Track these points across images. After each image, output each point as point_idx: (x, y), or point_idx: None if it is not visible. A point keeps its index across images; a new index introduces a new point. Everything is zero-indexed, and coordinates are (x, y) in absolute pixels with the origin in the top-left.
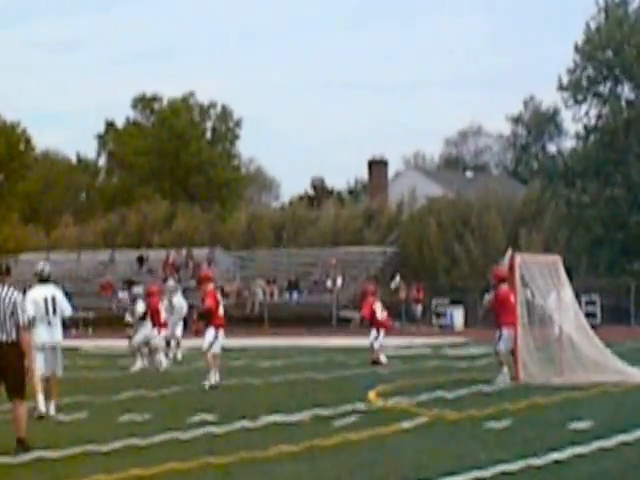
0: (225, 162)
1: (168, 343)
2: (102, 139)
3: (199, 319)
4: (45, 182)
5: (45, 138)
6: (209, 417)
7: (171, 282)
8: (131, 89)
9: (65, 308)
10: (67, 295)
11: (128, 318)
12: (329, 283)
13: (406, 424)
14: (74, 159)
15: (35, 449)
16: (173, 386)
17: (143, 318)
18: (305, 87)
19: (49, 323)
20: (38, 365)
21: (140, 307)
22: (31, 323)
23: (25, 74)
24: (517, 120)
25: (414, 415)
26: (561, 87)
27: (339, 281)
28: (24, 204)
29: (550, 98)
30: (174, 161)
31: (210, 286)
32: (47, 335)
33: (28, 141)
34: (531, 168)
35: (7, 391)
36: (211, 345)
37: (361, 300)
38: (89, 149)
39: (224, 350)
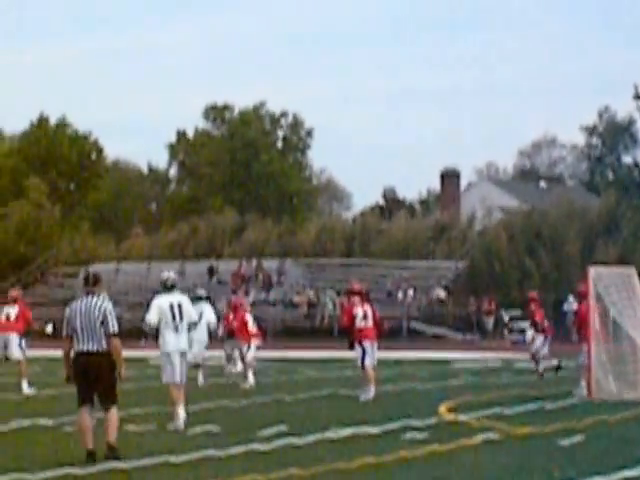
0: (296, 172)
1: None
2: (173, 149)
3: None
4: (116, 192)
5: (116, 148)
6: (284, 428)
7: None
8: (202, 98)
9: (191, 315)
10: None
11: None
12: (400, 295)
13: (476, 439)
14: (145, 169)
15: (107, 460)
16: (242, 399)
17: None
18: (377, 96)
19: (176, 330)
20: (165, 373)
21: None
22: (151, 329)
23: (97, 84)
24: (592, 131)
25: (484, 430)
26: (637, 96)
27: (410, 293)
28: (95, 214)
29: (625, 108)
30: (245, 171)
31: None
32: (174, 342)
33: (99, 151)
34: (606, 179)
35: (99, 399)
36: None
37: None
38: (160, 159)
39: (294, 362)
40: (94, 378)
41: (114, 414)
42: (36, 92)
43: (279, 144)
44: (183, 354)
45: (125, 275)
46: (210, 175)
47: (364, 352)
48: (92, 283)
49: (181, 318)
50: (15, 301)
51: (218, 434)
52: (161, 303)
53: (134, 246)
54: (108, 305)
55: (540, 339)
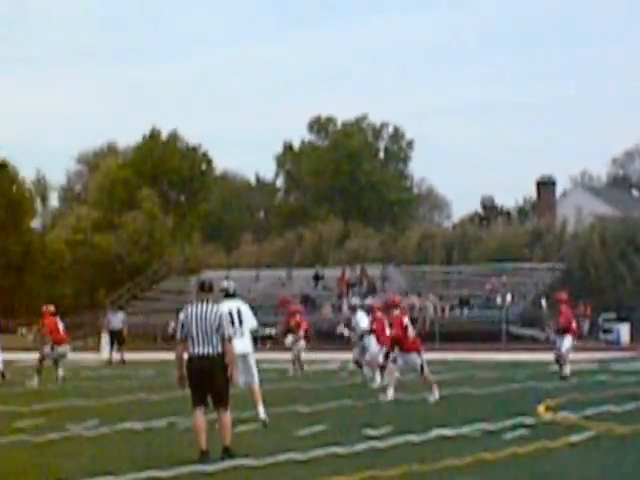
0: (397, 182)
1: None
2: (280, 160)
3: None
4: (225, 202)
5: (225, 160)
6: (391, 428)
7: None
8: (307, 111)
9: (250, 320)
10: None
11: (342, 331)
12: (498, 300)
13: (574, 438)
14: (253, 180)
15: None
16: (346, 399)
17: (368, 333)
18: (474, 107)
19: (235, 335)
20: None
21: (363, 322)
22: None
23: (206, 98)
24: None
25: (582, 429)
26: None
27: (508, 298)
28: (205, 223)
29: None
30: (348, 181)
31: (396, 312)
32: (235, 346)
33: (209, 163)
34: None
35: (213, 401)
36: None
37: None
38: (267, 170)
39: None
40: (208, 381)
41: (227, 416)
42: (148, 107)
43: (381, 155)
44: (244, 357)
45: (235, 282)
46: (315, 185)
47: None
48: (208, 289)
49: (240, 323)
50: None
51: (326, 432)
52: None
53: (243, 254)
54: (223, 311)
55: (569, 340)
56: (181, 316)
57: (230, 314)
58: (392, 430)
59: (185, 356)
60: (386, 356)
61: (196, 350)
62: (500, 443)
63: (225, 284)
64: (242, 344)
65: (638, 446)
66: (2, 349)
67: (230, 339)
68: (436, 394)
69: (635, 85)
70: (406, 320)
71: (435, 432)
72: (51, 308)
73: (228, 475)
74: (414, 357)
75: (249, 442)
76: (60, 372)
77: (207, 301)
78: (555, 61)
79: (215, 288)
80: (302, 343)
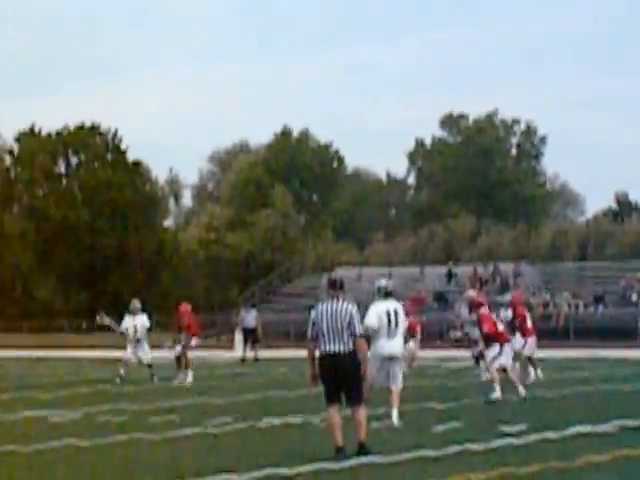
0: (530, 178)
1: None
2: (412, 157)
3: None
4: (356, 200)
5: (356, 157)
6: (525, 425)
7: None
8: (439, 108)
9: (404, 323)
10: None
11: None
12: (634, 297)
13: None
14: (383, 177)
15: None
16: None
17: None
18: (607, 101)
19: (389, 335)
20: (372, 375)
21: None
22: (370, 334)
23: (337, 96)
24: None
25: None
26: None
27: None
28: (337, 221)
29: None
30: (480, 178)
31: (482, 310)
32: (388, 347)
33: (340, 160)
34: None
35: (346, 398)
36: (494, 359)
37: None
38: (398, 167)
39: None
40: (341, 378)
41: (362, 412)
42: (280, 105)
43: (513, 151)
44: (392, 359)
45: (368, 280)
46: (447, 182)
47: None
48: (339, 287)
49: (396, 325)
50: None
51: (461, 429)
52: (379, 310)
53: (375, 252)
54: (353, 308)
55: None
56: (312, 314)
57: (387, 313)
58: (528, 427)
59: (316, 354)
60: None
61: (327, 347)
62: (639, 440)
63: (382, 283)
64: (393, 345)
65: None
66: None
67: (361, 336)
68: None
69: None
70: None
71: (573, 429)
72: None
73: (361, 472)
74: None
75: (384, 439)
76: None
77: (337, 298)
78: None
79: (345, 286)
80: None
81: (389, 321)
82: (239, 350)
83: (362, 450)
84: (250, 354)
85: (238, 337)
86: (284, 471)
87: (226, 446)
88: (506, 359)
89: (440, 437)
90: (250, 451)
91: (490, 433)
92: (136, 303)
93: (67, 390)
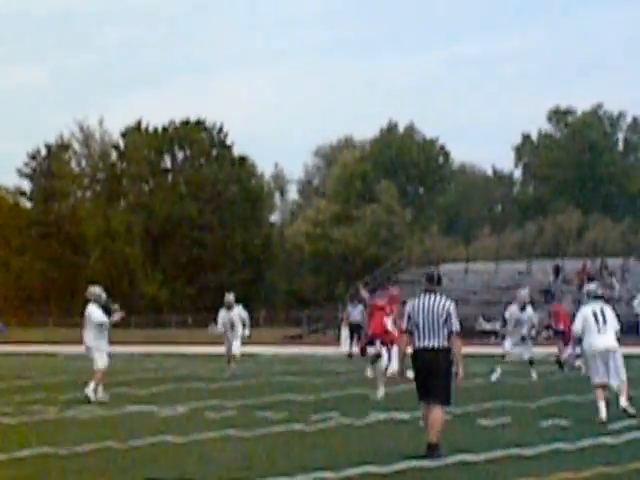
0: (637, 172)
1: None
2: (519, 151)
3: None
4: (462, 195)
5: (462, 152)
6: (634, 421)
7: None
8: (545, 102)
9: (615, 320)
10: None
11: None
12: None
13: None
14: (489, 172)
15: (458, 452)
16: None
17: None
18: None
19: (598, 332)
20: (592, 373)
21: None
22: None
23: (443, 91)
24: None
25: None
26: None
27: None
28: (443, 216)
29: None
30: (587, 172)
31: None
32: (599, 342)
33: (446, 155)
34: None
35: (429, 394)
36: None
37: None
38: (503, 162)
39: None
40: (431, 374)
41: (439, 412)
42: (386, 100)
43: (620, 145)
44: (610, 353)
45: (474, 275)
46: (553, 176)
47: None
48: (436, 282)
49: (604, 322)
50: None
51: (567, 428)
52: (585, 312)
53: (481, 246)
54: (451, 304)
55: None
56: (407, 308)
57: (594, 314)
58: (633, 424)
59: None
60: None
61: (421, 343)
62: None
63: (592, 287)
64: (606, 340)
65: None
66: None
67: (458, 333)
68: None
69: None
70: None
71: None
72: None
73: (450, 470)
74: None
75: (492, 436)
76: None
77: (434, 293)
78: None
79: (443, 281)
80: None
81: (597, 320)
82: (345, 345)
83: (431, 452)
84: (356, 349)
85: (344, 333)
86: (373, 469)
87: (328, 442)
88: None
89: (545, 433)
90: (350, 447)
91: (595, 430)
92: (230, 297)
93: (174, 385)
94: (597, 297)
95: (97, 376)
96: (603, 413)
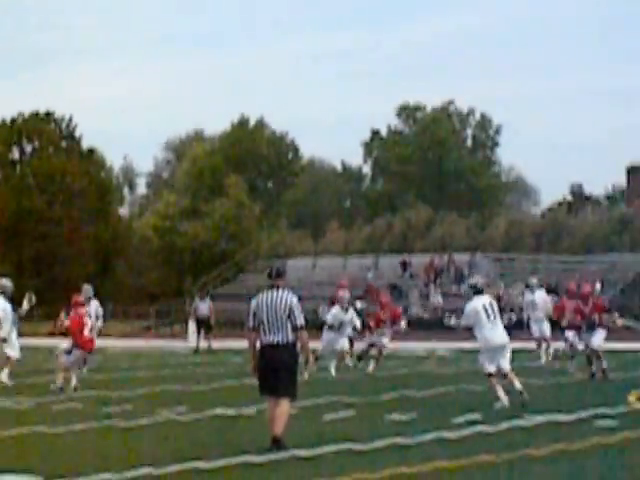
0: (485, 169)
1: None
2: (368, 147)
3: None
4: (311, 189)
5: (311, 147)
6: (476, 416)
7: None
8: (395, 98)
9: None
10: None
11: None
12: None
13: None
14: (339, 167)
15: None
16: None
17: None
18: (562, 94)
19: (492, 326)
20: (485, 362)
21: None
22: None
23: (293, 85)
24: None
25: None
26: None
27: (597, 287)
28: (292, 211)
29: None
30: (435, 168)
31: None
32: (491, 337)
33: (296, 150)
34: None
35: (276, 389)
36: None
37: None
38: (353, 157)
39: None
40: (277, 369)
41: (286, 406)
42: (236, 94)
43: (468, 142)
44: (505, 346)
45: (322, 270)
46: (402, 172)
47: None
48: (275, 276)
49: (495, 316)
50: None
51: (410, 422)
52: (476, 305)
53: (330, 241)
54: (294, 299)
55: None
56: (252, 304)
57: (485, 308)
58: (475, 419)
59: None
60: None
61: (267, 338)
62: (589, 431)
63: (473, 281)
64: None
65: None
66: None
67: (302, 327)
68: None
69: None
70: None
71: (519, 421)
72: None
73: (280, 465)
74: None
75: (343, 429)
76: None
77: (278, 288)
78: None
79: (285, 275)
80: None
81: (487, 314)
82: (193, 340)
83: (277, 444)
84: (204, 344)
85: (192, 327)
86: (238, 460)
87: (181, 435)
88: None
89: (396, 426)
90: (204, 440)
91: (438, 424)
92: (88, 289)
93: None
94: (480, 291)
95: None
96: (504, 400)
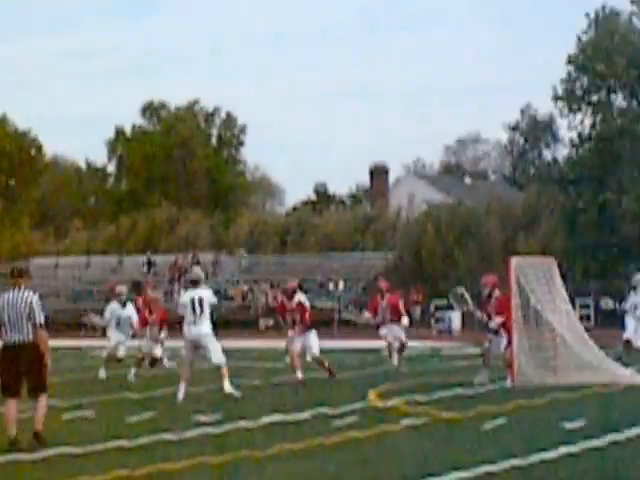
0: (230, 168)
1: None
2: (112, 145)
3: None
4: (55, 188)
5: (55, 145)
6: (206, 418)
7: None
8: (140, 97)
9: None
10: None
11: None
12: (331, 286)
13: (405, 423)
14: (83, 165)
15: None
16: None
17: None
18: (309, 95)
19: (194, 322)
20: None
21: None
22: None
23: (36, 81)
24: (514, 128)
25: (413, 415)
26: (556, 97)
27: (341, 285)
28: (35, 209)
29: (546, 107)
30: (180, 167)
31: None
32: (194, 331)
33: (39, 147)
34: (527, 174)
35: (28, 388)
36: None
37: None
38: (98, 155)
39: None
40: (22, 368)
41: (43, 402)
42: None
43: (213, 140)
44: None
45: (64, 269)
46: (147, 170)
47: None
48: (17, 275)
49: (202, 310)
50: None
51: (156, 419)
52: (184, 299)
53: (74, 241)
54: (34, 297)
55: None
56: None
57: (192, 302)
58: (223, 416)
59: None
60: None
61: (9, 338)
62: (330, 429)
63: (192, 274)
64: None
65: (464, 431)
66: None
67: (41, 325)
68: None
69: (466, 74)
70: None
71: (267, 418)
72: None
73: (55, 463)
74: None
75: (78, 429)
76: None
77: (19, 287)
78: (389, 47)
79: (27, 274)
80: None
81: (194, 308)
82: None
83: (38, 438)
84: None
85: None
86: None
87: None
88: None
89: (135, 427)
90: None
91: (185, 423)
92: None
93: None
94: (196, 284)
95: None
96: (179, 395)
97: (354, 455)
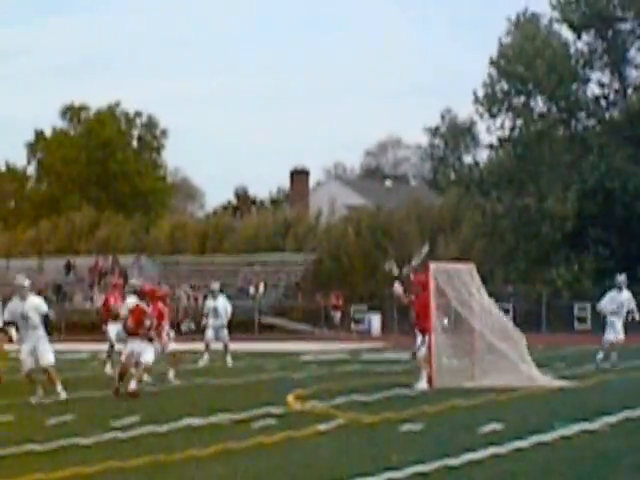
0: (151, 171)
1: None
2: (32, 148)
3: None
4: None
5: None
6: (138, 418)
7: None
8: (60, 99)
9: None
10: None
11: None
12: (252, 289)
13: (322, 426)
14: (3, 167)
15: None
16: (94, 390)
17: None
18: (228, 98)
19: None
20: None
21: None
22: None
23: None
24: (435, 132)
25: (331, 418)
26: (476, 100)
27: (261, 288)
28: None
29: (467, 111)
30: (101, 169)
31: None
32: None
33: None
34: (448, 178)
35: None
36: None
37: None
38: (18, 157)
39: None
40: None
41: None
42: None
43: (134, 143)
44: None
45: None
46: (67, 173)
47: None
48: None
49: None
50: None
51: (72, 422)
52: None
53: None
54: None
55: None
56: None
57: None
58: (138, 420)
59: None
60: None
61: None
62: (248, 432)
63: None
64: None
65: (382, 434)
66: None
67: None
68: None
69: (387, 78)
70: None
71: (183, 422)
72: None
73: None
74: None
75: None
76: None
77: None
78: (309, 48)
79: None
80: None
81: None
82: None
83: None
84: None
85: None
86: None
87: None
88: None
89: (50, 431)
90: None
91: (100, 427)
92: None
93: None
94: (136, 292)
95: None
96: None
97: (270, 458)
